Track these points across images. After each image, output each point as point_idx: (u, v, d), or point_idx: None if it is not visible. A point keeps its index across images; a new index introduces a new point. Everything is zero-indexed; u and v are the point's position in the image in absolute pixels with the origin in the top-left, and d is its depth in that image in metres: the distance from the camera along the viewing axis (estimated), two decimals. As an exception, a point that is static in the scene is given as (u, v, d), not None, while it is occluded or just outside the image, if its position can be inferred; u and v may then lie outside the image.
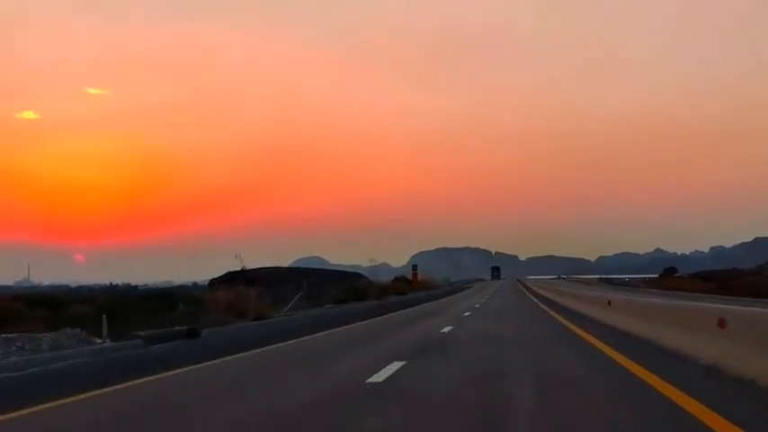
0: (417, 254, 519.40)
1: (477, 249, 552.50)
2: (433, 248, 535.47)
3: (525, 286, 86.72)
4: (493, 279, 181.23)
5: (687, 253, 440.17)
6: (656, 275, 76.77)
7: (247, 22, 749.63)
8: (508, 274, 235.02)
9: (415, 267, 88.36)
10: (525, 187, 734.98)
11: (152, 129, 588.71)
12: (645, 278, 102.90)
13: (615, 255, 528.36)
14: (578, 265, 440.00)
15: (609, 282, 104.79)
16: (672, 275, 67.35)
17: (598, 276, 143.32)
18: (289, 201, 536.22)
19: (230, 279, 33.80)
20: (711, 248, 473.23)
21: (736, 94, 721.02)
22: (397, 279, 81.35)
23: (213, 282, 49.77)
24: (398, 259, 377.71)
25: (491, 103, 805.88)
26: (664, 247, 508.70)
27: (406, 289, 67.91)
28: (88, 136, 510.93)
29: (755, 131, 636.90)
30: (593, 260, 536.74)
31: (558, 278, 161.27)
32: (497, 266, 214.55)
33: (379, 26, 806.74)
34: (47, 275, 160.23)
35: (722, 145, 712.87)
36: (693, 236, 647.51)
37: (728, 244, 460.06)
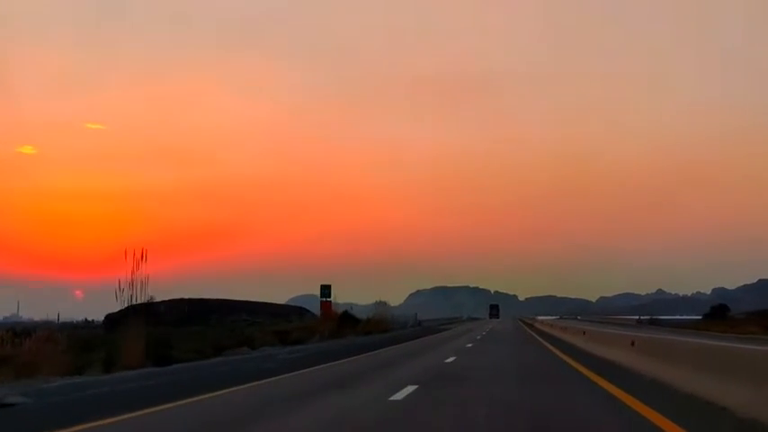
0: (415, 292, 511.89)
1: (476, 289, 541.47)
2: (430, 287, 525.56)
3: (536, 329, 59.02)
4: (491, 318, 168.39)
5: (689, 294, 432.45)
6: (699, 316, 62.92)
7: (243, 58, 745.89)
8: (508, 313, 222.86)
9: (325, 291, 48.79)
10: (525, 227, 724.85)
11: (149, 165, 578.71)
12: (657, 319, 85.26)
13: (616, 295, 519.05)
14: (579, 306, 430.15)
15: (653, 323, 75.26)
16: (724, 313, 56.03)
17: (637, 317, 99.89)
18: (283, 238, 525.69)
19: (127, 314, 22.76)
20: (713, 290, 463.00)
21: (740, 136, 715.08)
22: (345, 314, 53.74)
23: (109, 316, 37.28)
24: (396, 298, 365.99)
25: (491, 144, 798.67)
26: (665, 288, 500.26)
27: (343, 333, 44.89)
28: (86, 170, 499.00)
29: (758, 173, 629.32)
30: (593, 300, 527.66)
31: (561, 318, 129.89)
32: (496, 304, 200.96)
33: (380, 64, 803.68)
34: (40, 311, 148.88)
35: (725, 186, 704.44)
36: (695, 277, 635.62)
37: (731, 286, 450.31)
